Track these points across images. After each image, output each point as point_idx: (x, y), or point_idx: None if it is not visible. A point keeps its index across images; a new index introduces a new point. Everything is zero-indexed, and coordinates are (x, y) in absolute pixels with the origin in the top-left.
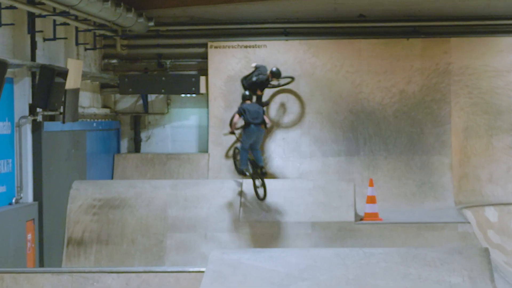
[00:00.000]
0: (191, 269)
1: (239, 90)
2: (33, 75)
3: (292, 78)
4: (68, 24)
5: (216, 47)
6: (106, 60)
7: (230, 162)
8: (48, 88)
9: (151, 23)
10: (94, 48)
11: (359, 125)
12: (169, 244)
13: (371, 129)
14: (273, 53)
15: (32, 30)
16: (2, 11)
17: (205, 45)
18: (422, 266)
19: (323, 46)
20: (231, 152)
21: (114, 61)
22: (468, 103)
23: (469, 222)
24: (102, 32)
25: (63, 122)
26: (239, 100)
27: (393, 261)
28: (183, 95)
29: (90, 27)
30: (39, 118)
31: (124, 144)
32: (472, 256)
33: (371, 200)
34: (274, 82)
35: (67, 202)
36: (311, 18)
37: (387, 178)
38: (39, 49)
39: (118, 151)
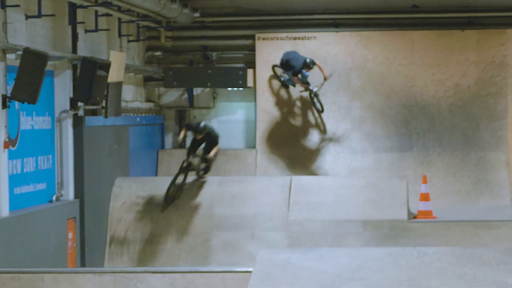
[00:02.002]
0: (238, 269)
1: None
2: (74, 67)
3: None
4: (110, 15)
5: (264, 39)
6: (150, 53)
7: (279, 157)
8: (90, 81)
9: (197, 14)
10: (137, 40)
11: (412, 120)
12: (215, 244)
13: (424, 124)
14: (323, 45)
15: (73, 21)
16: (42, 1)
17: (252, 37)
18: (478, 266)
19: (375, 38)
20: None
21: (158, 53)
22: None
23: None
24: (145, 23)
25: (106, 116)
26: (289, 94)
27: (448, 261)
28: (229, 88)
29: (134, 18)
30: (81, 112)
31: (169, 139)
32: None
33: (425, 197)
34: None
35: (110, 199)
36: (362, 8)
37: (441, 175)
38: (81, 41)
39: (163, 146)
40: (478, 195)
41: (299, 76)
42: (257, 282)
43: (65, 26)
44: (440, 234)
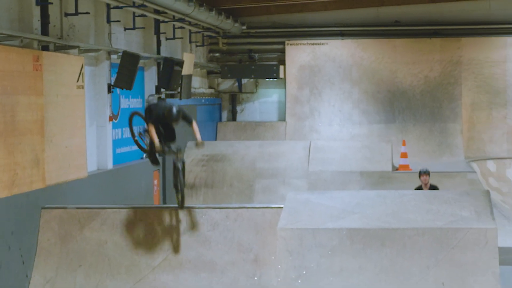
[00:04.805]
0: (273, 206)
1: (308, 76)
2: (158, 64)
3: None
4: (183, 27)
5: (291, 45)
6: (211, 54)
7: (302, 127)
8: (169, 74)
9: (244, 27)
10: (202, 45)
11: (395, 101)
12: (257, 188)
13: (403, 104)
14: (332, 49)
15: (157, 32)
16: (136, 18)
17: (283, 43)
18: (441, 203)
19: (369, 44)
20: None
21: (217, 54)
22: (474, 85)
23: (475, 172)
24: (208, 33)
25: (180, 99)
26: (309, 83)
27: (420, 200)
28: (267, 79)
29: (200, 30)
30: (163, 96)
31: (224, 114)
32: (477, 196)
33: (404, 155)
34: None
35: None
36: (360, 23)
37: (415, 140)
38: (163, 45)
39: (220, 120)
40: (441, 154)
41: None
42: (287, 214)
43: (152, 35)
44: (415, 181)
